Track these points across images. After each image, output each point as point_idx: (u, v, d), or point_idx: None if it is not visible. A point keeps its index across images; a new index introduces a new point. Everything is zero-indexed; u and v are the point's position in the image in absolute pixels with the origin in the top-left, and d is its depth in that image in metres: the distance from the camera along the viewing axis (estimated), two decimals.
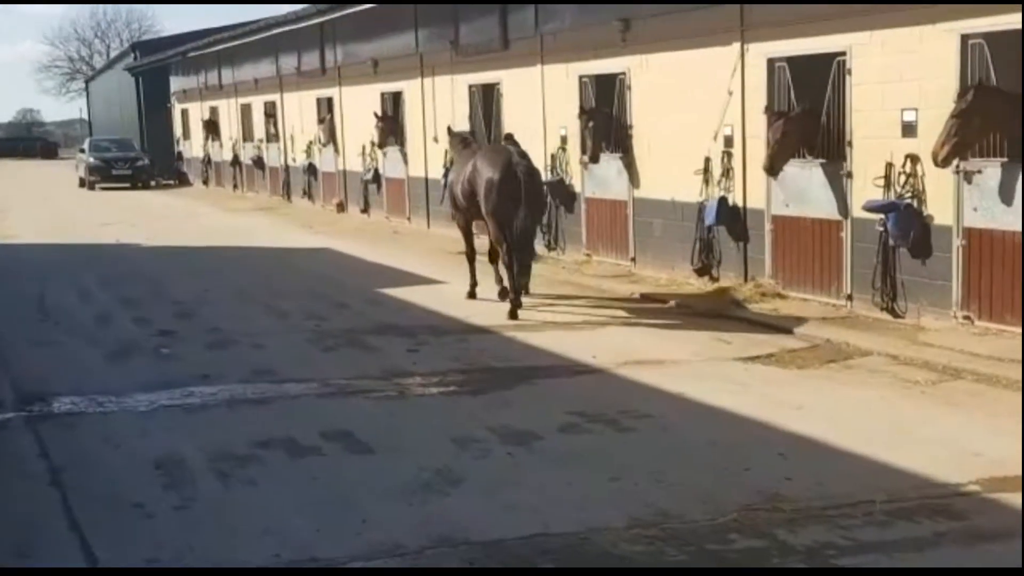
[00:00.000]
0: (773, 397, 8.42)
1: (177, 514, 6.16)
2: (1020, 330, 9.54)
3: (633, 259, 14.95)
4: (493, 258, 13.03)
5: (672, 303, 12.52)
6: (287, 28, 26.36)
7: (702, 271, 13.44)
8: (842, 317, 11.23)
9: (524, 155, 12.28)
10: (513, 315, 11.85)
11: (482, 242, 13.65)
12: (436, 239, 19.60)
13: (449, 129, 15.01)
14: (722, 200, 12.96)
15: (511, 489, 6.46)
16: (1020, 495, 6.11)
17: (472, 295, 13.20)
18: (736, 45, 12.69)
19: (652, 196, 14.49)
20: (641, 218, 14.75)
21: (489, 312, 12.33)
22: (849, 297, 11.45)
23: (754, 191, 12.68)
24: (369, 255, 17.87)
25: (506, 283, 12.43)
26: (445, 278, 15.11)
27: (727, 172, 13.01)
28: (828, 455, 7.02)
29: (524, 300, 12.28)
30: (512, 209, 11.81)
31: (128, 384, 9.24)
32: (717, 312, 11.87)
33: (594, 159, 15.25)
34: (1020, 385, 8.43)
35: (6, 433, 7.86)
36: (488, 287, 13.16)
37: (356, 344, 10.87)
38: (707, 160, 13.23)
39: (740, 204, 12.88)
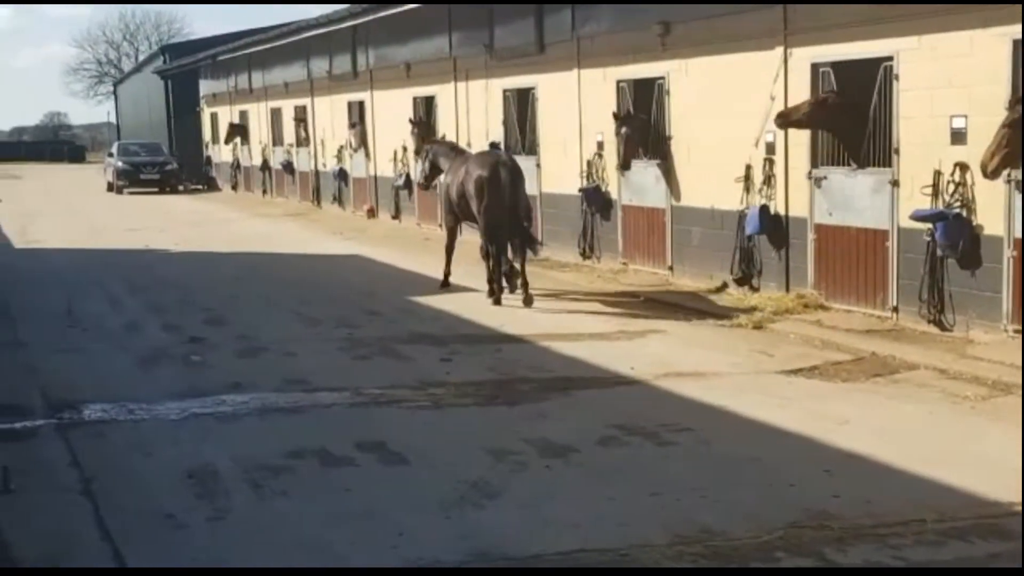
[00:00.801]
0: (818, 411, 8.36)
1: (210, 525, 6.18)
2: None
3: (671, 268, 14.90)
4: (485, 255, 13.89)
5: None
6: (319, 31, 26.51)
7: (742, 281, 13.38)
8: (887, 329, 11.14)
9: (509, 157, 14.01)
10: (497, 301, 13.40)
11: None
12: (468, 247, 19.50)
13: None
14: (763, 208, 12.90)
15: (549, 503, 6.45)
16: None
17: (446, 284, 14.79)
18: (779, 49, 12.63)
19: (691, 204, 14.45)
20: (679, 226, 14.71)
21: (523, 321, 12.34)
22: (895, 309, 11.35)
23: (797, 199, 12.61)
24: (400, 262, 17.91)
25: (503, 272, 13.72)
26: (478, 286, 15.08)
27: (769, 179, 12.95)
28: (876, 472, 6.95)
29: (557, 307, 12.30)
30: (500, 204, 13.27)
31: (159, 392, 9.30)
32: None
33: (625, 166, 15.26)
34: None
35: (37, 441, 7.92)
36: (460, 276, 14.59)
37: (389, 353, 10.89)
38: (748, 167, 13.18)
39: (782, 212, 12.81)
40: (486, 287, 13.79)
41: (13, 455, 7.29)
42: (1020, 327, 10.07)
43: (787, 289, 12.75)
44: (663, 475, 6.94)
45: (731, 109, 13.51)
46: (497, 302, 13.38)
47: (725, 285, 13.72)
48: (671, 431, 7.88)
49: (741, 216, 13.26)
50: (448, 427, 8.21)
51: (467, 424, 8.28)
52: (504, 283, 13.73)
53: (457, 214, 14.44)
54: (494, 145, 15.57)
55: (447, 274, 14.90)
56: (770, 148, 12.90)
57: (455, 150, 15.36)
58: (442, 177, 15.24)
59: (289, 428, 8.18)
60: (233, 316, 13.16)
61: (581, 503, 6.44)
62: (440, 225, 21.88)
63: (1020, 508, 6.22)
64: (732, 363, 10.17)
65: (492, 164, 13.52)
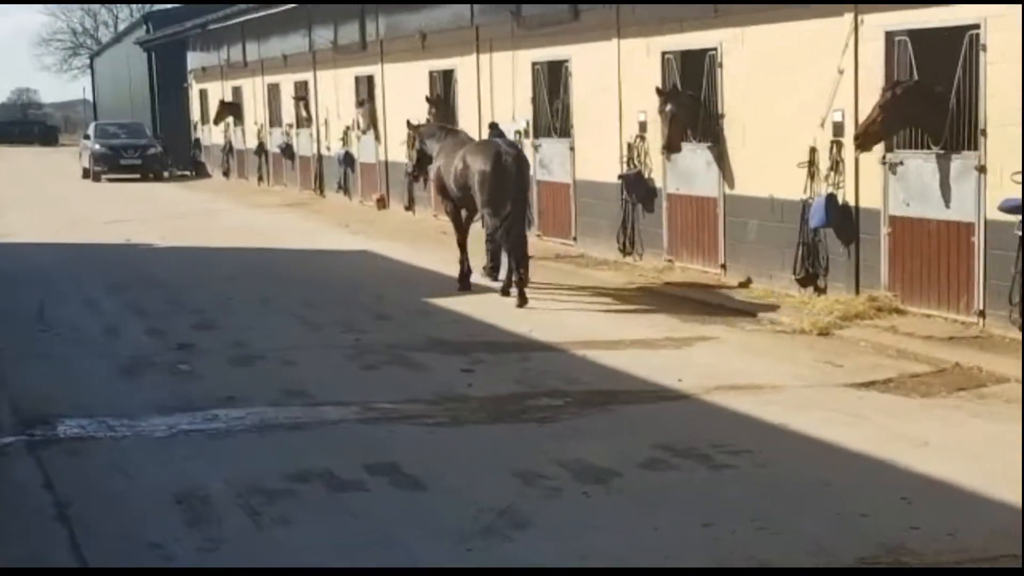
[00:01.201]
0: (893, 430, 8.32)
1: (200, 556, 6.21)
2: None
3: (723, 266, 14.87)
4: (463, 245, 14.98)
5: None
6: None
7: (806, 281, 13.34)
8: (973, 337, 11.08)
9: (512, 144, 14.79)
10: (507, 293, 14.13)
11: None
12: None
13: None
14: (830, 198, 12.85)
15: (587, 534, 6.44)
16: None
17: (464, 285, 14.96)
18: (848, 16, 12.58)
19: (747, 193, 14.41)
20: (733, 218, 14.68)
21: (554, 326, 12.35)
22: (981, 313, 11.29)
23: (868, 187, 12.56)
24: (414, 259, 17.96)
25: (501, 273, 14.64)
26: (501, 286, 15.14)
27: (836, 165, 12.89)
28: (960, 500, 6.92)
29: (592, 310, 12.32)
30: (504, 199, 13.82)
31: (142, 405, 9.35)
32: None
33: (672, 148, 15.23)
34: None
35: (5, 460, 7.97)
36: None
37: (401, 362, 10.92)
38: (812, 151, 13.13)
39: (851, 203, 12.76)
40: (499, 284, 14.39)
41: None
42: None
43: (857, 290, 12.69)
44: (716, 502, 6.92)
45: (793, 84, 13.47)
46: (509, 287, 14.14)
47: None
48: (725, 452, 7.86)
49: (804, 207, 13.21)
50: (470, 447, 8.21)
51: (491, 444, 8.28)
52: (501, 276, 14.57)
53: (456, 202, 15.07)
54: (494, 127, 16.25)
55: (463, 272, 15.03)
56: (838, 129, 12.84)
57: (444, 130, 16.02)
58: (434, 161, 15.69)
59: (290, 447, 8.21)
60: (226, 319, 13.23)
61: (623, 534, 6.42)
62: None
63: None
64: (794, 375, 10.14)
65: (495, 156, 13.97)
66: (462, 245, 15.11)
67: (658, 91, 15.29)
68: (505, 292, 14.18)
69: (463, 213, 15.23)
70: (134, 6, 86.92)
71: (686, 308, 13.37)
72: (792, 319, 12.22)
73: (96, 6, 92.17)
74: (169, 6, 54.30)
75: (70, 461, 7.91)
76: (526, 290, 13.76)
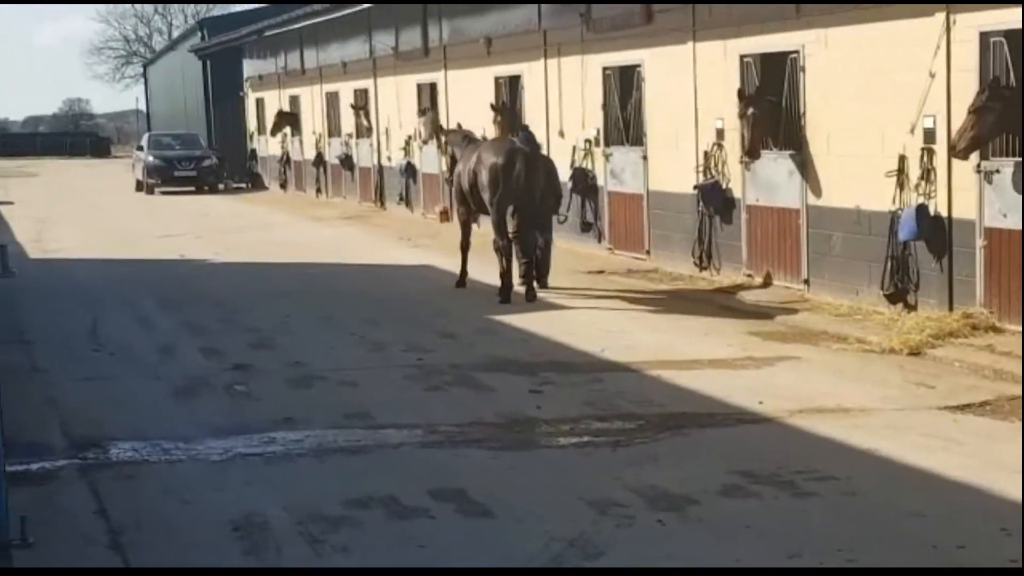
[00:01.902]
0: (991, 456, 8.21)
1: None
2: None
3: (806, 281, 14.76)
4: (496, 248, 15.34)
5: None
6: (382, 2, 26.76)
7: (895, 297, 13.20)
8: None
9: (530, 142, 15.71)
10: (506, 299, 14.90)
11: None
12: (560, 255, 19.57)
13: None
14: (921, 209, 12.72)
15: (663, 565, 6.40)
16: None
17: (462, 284, 16.27)
18: (940, 16, 12.45)
19: (831, 204, 14.30)
20: (817, 231, 14.57)
21: (628, 344, 12.33)
22: None
23: (962, 197, 12.41)
24: (479, 273, 17.90)
25: (515, 274, 15.20)
26: (571, 303, 15.16)
27: (927, 174, 12.76)
28: None
29: (667, 327, 12.27)
30: (510, 196, 14.82)
31: (197, 428, 9.45)
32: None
33: (752, 154, 15.19)
34: None
35: (57, 485, 8.08)
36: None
37: (467, 383, 10.94)
38: (902, 159, 13.01)
39: (944, 213, 12.62)
40: (577, 302, 14.52)
41: (30, 502, 7.42)
42: None
43: (950, 307, 12.54)
44: (801, 533, 6.85)
45: (881, 88, 13.35)
46: (507, 299, 14.98)
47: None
48: (809, 479, 7.79)
49: (893, 218, 13.09)
50: (539, 473, 8.20)
51: (562, 469, 8.26)
52: (522, 279, 15.23)
53: (470, 204, 15.99)
54: (524, 128, 17.17)
55: (463, 273, 16.36)
56: (929, 136, 12.71)
57: (467, 139, 16.92)
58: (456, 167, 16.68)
59: (351, 472, 8.24)
60: (283, 338, 13.33)
61: (702, 566, 6.37)
62: None
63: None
64: (883, 397, 10.03)
65: (508, 152, 15.01)
66: (464, 249, 16.32)
67: (739, 94, 15.23)
68: (529, 297, 15.10)
69: (474, 218, 16.46)
70: (188, 13, 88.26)
71: (766, 326, 13.28)
72: (881, 338, 12.09)
73: (150, 14, 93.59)
74: (232, 7, 54.88)
75: (123, 486, 8.00)
76: (536, 287, 15.27)
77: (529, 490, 7.76)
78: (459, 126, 18.38)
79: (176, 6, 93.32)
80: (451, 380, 11.06)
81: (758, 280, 15.56)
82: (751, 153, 15.20)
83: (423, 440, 9.02)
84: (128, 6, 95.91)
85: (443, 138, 17.98)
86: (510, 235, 15.03)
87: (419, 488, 7.72)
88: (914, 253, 13.04)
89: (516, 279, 15.24)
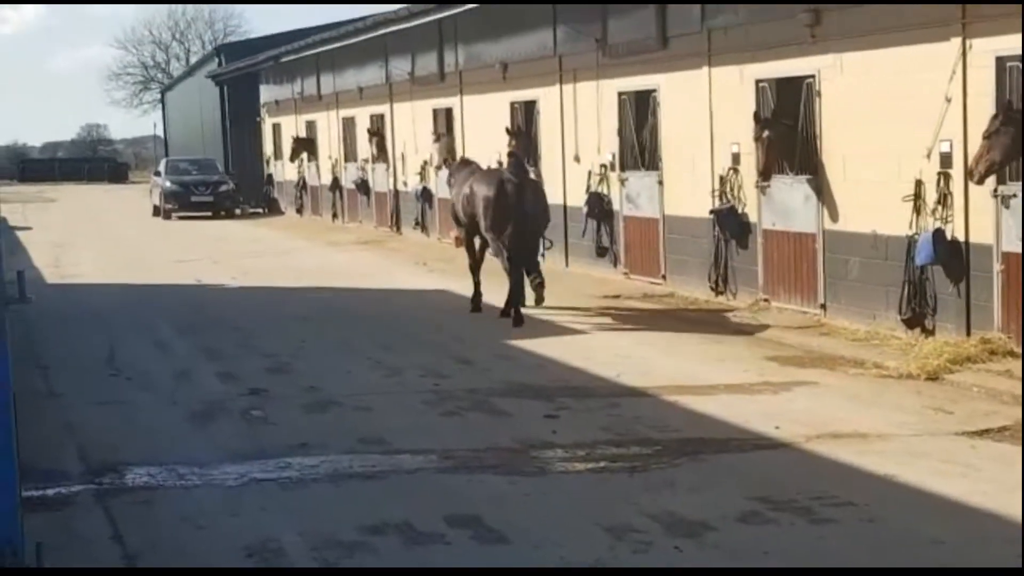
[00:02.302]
0: (1010, 482, 8.13)
1: None
2: None
3: (823, 306, 14.72)
4: (475, 267, 16.84)
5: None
6: (399, 27, 26.89)
7: (912, 322, 13.15)
8: None
9: (518, 173, 15.91)
10: (518, 322, 15.33)
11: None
12: (576, 280, 19.63)
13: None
14: (938, 233, 12.68)
15: None
16: None
17: (476, 308, 16.66)
18: (956, 41, 12.44)
19: (848, 228, 14.27)
20: (834, 255, 14.53)
21: (644, 370, 12.30)
22: None
23: (979, 221, 12.37)
24: (496, 299, 17.94)
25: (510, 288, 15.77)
26: (587, 327, 15.15)
27: (944, 198, 12.73)
28: None
29: (684, 352, 12.27)
30: (505, 224, 15.58)
31: (213, 453, 9.45)
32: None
33: (765, 176, 15.21)
34: None
35: (73, 511, 8.08)
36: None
37: (483, 408, 10.92)
38: (919, 183, 12.97)
39: (961, 238, 12.57)
40: (593, 327, 14.88)
41: (46, 527, 7.42)
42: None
43: (968, 332, 12.48)
44: (818, 559, 6.82)
45: (897, 113, 13.33)
46: (514, 315, 15.51)
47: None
48: (827, 505, 7.75)
49: (910, 243, 13.05)
50: (555, 498, 8.16)
51: (578, 495, 8.23)
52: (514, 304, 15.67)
53: (467, 229, 16.84)
54: (512, 155, 17.38)
55: (476, 296, 16.76)
56: (945, 160, 12.68)
57: (463, 163, 18.22)
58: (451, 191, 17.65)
59: (366, 497, 8.22)
60: (300, 363, 13.33)
61: None
62: (542, 255, 21.98)
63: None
64: (901, 422, 9.98)
65: (498, 183, 15.84)
66: (473, 269, 16.90)
67: (755, 117, 15.23)
68: (504, 313, 15.76)
69: (476, 241, 16.84)
70: (206, 39, 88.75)
71: (782, 351, 13.24)
72: (898, 363, 12.05)
73: (168, 40, 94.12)
74: (242, 39, 55.10)
75: (139, 511, 8.00)
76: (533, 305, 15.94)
77: (545, 516, 7.73)
78: (465, 159, 19.30)
79: (193, 32, 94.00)
80: (467, 405, 11.04)
81: (775, 305, 15.51)
82: (764, 175, 15.20)
83: (439, 465, 9.00)
84: (146, 32, 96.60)
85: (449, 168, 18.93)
86: (508, 260, 15.69)
87: (434, 514, 7.70)
88: (931, 278, 12.99)
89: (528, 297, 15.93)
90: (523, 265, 15.74)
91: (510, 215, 15.58)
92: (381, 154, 30.48)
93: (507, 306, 15.74)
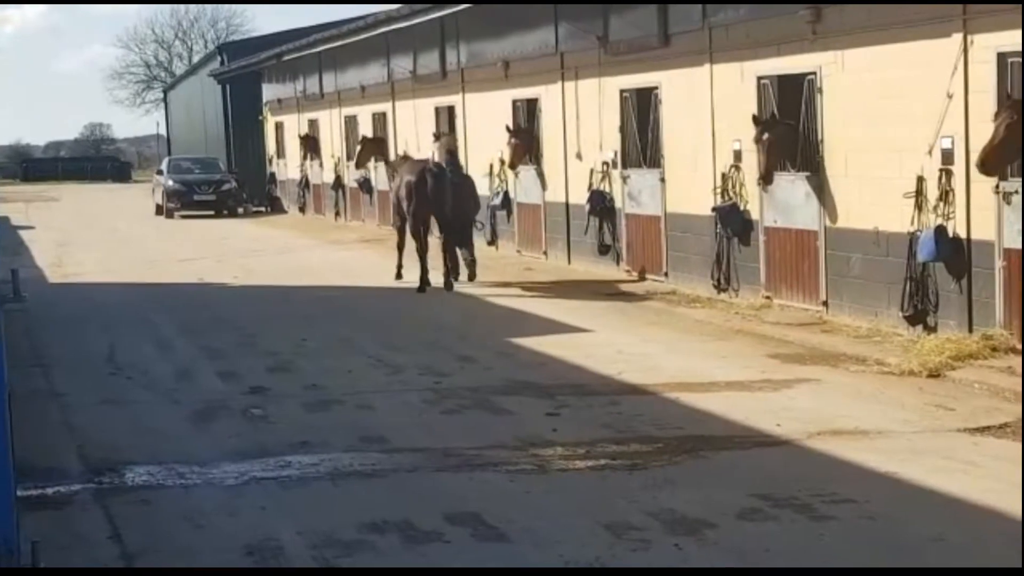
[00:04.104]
0: (1011, 479, 8.11)
1: None
2: None
3: (824, 303, 14.69)
4: (400, 247, 19.78)
5: None
6: (400, 24, 26.86)
7: (915, 318, 13.13)
8: None
9: (441, 166, 18.82)
10: (421, 289, 18.37)
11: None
12: (578, 278, 19.61)
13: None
14: (940, 230, 12.65)
15: None
16: None
17: (399, 276, 19.74)
18: (957, 37, 12.41)
19: (849, 225, 14.24)
20: (835, 252, 14.51)
21: (645, 368, 12.29)
22: None
23: (981, 218, 12.34)
24: (498, 297, 17.98)
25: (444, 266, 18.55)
26: (590, 325, 15.14)
27: (945, 195, 12.70)
28: None
29: (685, 351, 12.20)
30: (424, 209, 18.45)
31: (213, 452, 9.44)
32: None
33: (766, 179, 15.27)
34: None
35: (72, 510, 8.08)
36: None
37: (484, 406, 10.91)
38: (920, 180, 12.95)
39: (963, 235, 12.55)
40: (594, 325, 14.98)
41: (45, 526, 7.44)
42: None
43: (970, 329, 12.46)
44: (819, 557, 6.81)
45: (898, 110, 13.31)
46: (422, 290, 18.40)
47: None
48: (828, 502, 7.73)
49: (912, 239, 13.02)
50: (555, 496, 8.16)
51: (578, 492, 8.22)
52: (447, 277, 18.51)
53: (402, 216, 19.35)
54: (451, 153, 19.76)
55: (399, 267, 19.87)
56: (947, 157, 12.66)
57: (403, 159, 21.07)
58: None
59: (366, 496, 8.22)
60: (301, 362, 13.33)
61: None
62: (544, 252, 22.04)
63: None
64: (902, 419, 9.97)
65: (419, 172, 18.64)
66: (420, 254, 18.70)
67: (755, 119, 15.21)
68: (447, 287, 18.38)
69: (421, 228, 18.89)
70: (208, 38, 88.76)
71: (784, 348, 13.23)
72: (900, 359, 12.03)
73: (171, 39, 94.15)
74: (245, 37, 55.09)
75: (138, 510, 7.99)
76: (454, 281, 18.53)
77: (545, 514, 7.72)
78: (406, 155, 21.86)
79: (196, 31, 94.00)
80: (468, 403, 11.03)
81: (777, 303, 15.49)
82: (765, 178, 15.21)
83: (439, 464, 8.98)
84: (148, 31, 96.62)
85: (389, 169, 21.92)
86: (442, 243, 18.61)
87: (434, 512, 7.69)
88: (933, 274, 12.97)
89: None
90: (455, 244, 18.56)
91: (428, 200, 18.28)
92: (380, 155, 30.30)
93: (445, 278, 18.47)
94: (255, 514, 7.85)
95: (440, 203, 18.29)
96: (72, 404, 11.45)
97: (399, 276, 19.76)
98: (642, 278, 18.58)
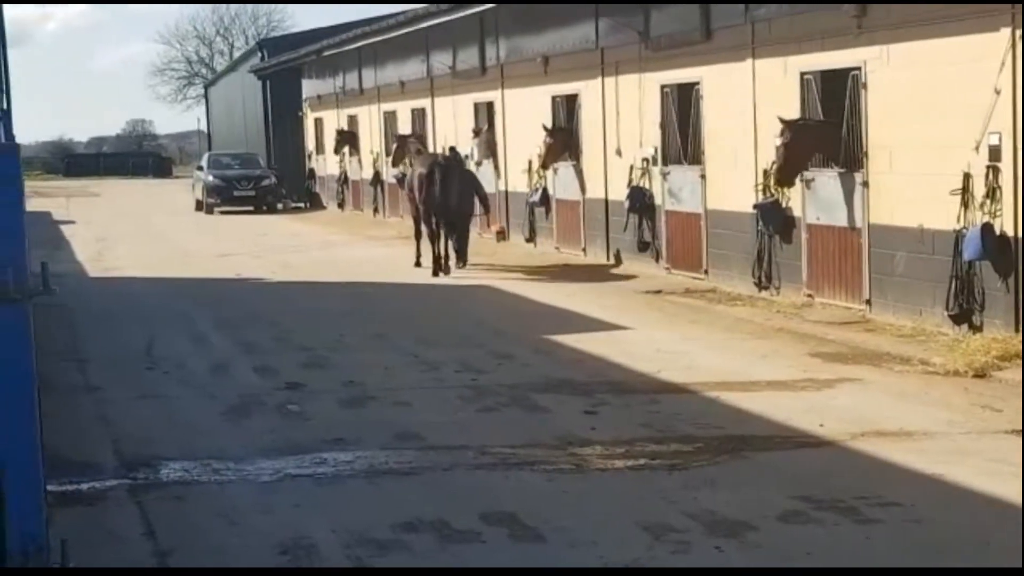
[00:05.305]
0: None
1: None
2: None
3: (868, 302, 14.50)
4: (417, 234, 21.54)
5: None
6: (440, 19, 26.78)
7: (960, 318, 12.92)
8: None
9: (448, 160, 20.94)
10: (435, 274, 20.21)
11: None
12: (617, 274, 19.48)
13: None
14: (986, 227, 12.44)
15: None
16: None
17: (417, 264, 21.46)
18: (1005, 31, 12.20)
19: (893, 222, 14.05)
20: (879, 250, 14.31)
21: (685, 366, 12.16)
22: None
23: None
24: (536, 293, 17.89)
25: (441, 252, 20.42)
26: (630, 323, 15.02)
27: (992, 192, 12.49)
28: None
29: (726, 349, 12.06)
30: (434, 199, 20.20)
31: (248, 448, 9.37)
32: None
33: (782, 182, 15.48)
34: None
35: (106, 505, 8.02)
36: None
37: (521, 403, 10.81)
38: (967, 177, 12.74)
39: (1010, 232, 12.33)
40: (634, 322, 14.88)
41: (78, 522, 7.38)
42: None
43: (1017, 328, 12.25)
44: (864, 560, 6.67)
45: (944, 105, 13.10)
46: (435, 274, 20.18)
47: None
48: (872, 505, 7.58)
49: (958, 237, 12.82)
50: (593, 496, 8.04)
51: (617, 493, 8.11)
52: (445, 261, 20.39)
53: (416, 205, 21.15)
54: (452, 149, 22.28)
55: (418, 255, 21.53)
56: (994, 153, 12.44)
57: (420, 152, 23.10)
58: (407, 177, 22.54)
59: (401, 494, 8.13)
60: (337, 357, 13.27)
61: None
62: (583, 249, 21.91)
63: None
64: (948, 420, 9.80)
65: (429, 164, 20.62)
66: (431, 239, 20.51)
67: (781, 121, 15.08)
68: (436, 272, 20.15)
69: (432, 216, 20.46)
70: (249, 34, 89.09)
71: (826, 347, 13.05)
72: (945, 359, 11.84)
73: (212, 35, 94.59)
74: (285, 33, 55.17)
75: (173, 507, 7.94)
76: (455, 268, 20.54)
77: (582, 514, 7.61)
78: (420, 148, 23.80)
79: (237, 28, 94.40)
80: (505, 401, 10.93)
81: (819, 301, 15.30)
82: (779, 181, 15.38)
83: (475, 462, 8.88)
84: (190, 28, 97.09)
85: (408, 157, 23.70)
86: (437, 227, 20.29)
87: (470, 511, 7.59)
88: (979, 273, 12.75)
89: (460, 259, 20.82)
90: (455, 231, 20.49)
91: (437, 190, 20.03)
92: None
93: (442, 262, 20.30)
94: (289, 512, 7.76)
95: (446, 193, 20.06)
96: (108, 398, 11.43)
97: (418, 264, 21.33)
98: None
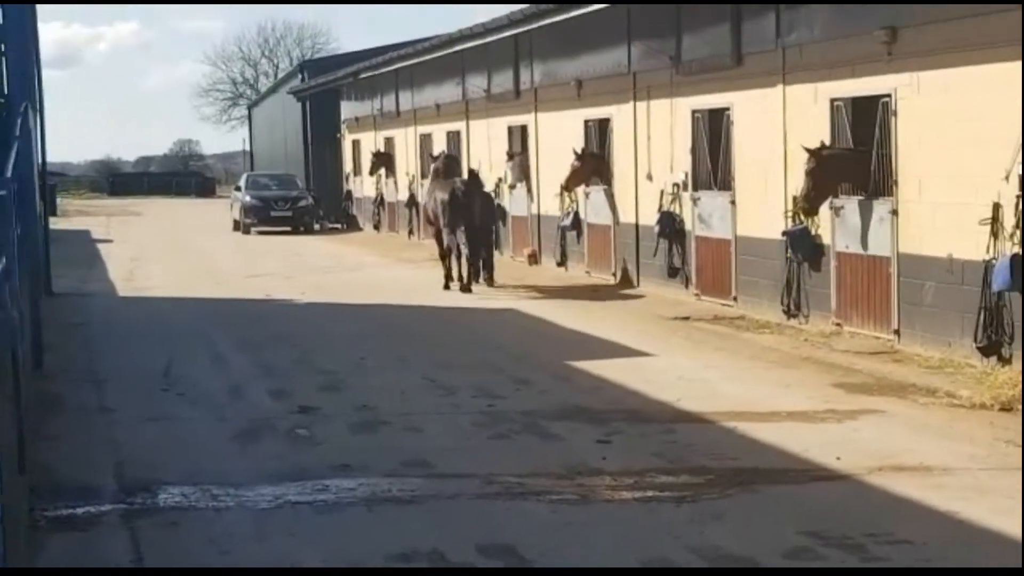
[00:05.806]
0: None
1: None
2: None
3: (896, 332, 14.24)
4: (444, 256, 21.94)
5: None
6: (475, 43, 26.75)
7: (988, 349, 12.64)
8: None
9: (468, 183, 21.71)
10: (463, 290, 21.16)
11: None
12: (647, 301, 19.28)
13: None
14: (1016, 258, 12.18)
15: None
16: None
17: (446, 287, 21.77)
18: None
19: (923, 252, 13.79)
20: (908, 279, 14.06)
21: (705, 395, 11.95)
22: None
23: None
24: (562, 318, 17.70)
25: (463, 273, 21.38)
26: (653, 349, 14.82)
27: (1022, 222, 12.22)
28: None
29: (749, 378, 11.84)
30: (457, 222, 20.93)
31: (252, 473, 9.24)
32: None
33: (808, 211, 15.36)
34: None
35: (98, 531, 7.89)
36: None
37: (534, 431, 10.65)
38: (996, 207, 12.49)
39: None
40: (658, 349, 14.70)
41: (67, 549, 7.28)
42: None
43: None
44: None
45: (974, 134, 12.86)
46: (463, 291, 21.09)
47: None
48: (881, 543, 7.37)
49: (987, 267, 12.56)
50: (596, 528, 7.87)
51: (620, 525, 7.93)
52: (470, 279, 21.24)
53: (436, 227, 21.96)
54: (472, 172, 23.31)
55: (447, 278, 21.84)
56: None
57: (435, 173, 23.24)
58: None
59: (400, 523, 7.98)
60: (355, 381, 13.14)
61: None
62: (614, 274, 21.72)
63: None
64: (970, 455, 9.55)
65: (451, 190, 21.26)
66: (443, 258, 21.90)
67: (806, 150, 14.89)
68: (466, 289, 21.04)
69: (455, 238, 21.20)
70: (294, 56, 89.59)
71: (852, 377, 12.80)
72: (971, 392, 11.57)
73: (257, 56, 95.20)
74: (326, 55, 55.39)
75: (165, 533, 7.80)
76: (485, 287, 21.38)
77: (583, 547, 7.43)
78: (435, 170, 23.47)
79: (282, 49, 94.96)
80: (519, 428, 10.76)
81: (847, 330, 15.05)
82: (807, 211, 15.31)
83: (480, 491, 8.71)
84: (235, 48, 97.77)
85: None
86: (461, 248, 21.02)
87: (467, 542, 7.44)
88: (1008, 304, 12.48)
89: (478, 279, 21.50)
90: (477, 251, 21.16)
91: (460, 213, 20.79)
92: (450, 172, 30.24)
93: (468, 281, 21.13)
94: (283, 540, 7.62)
95: (469, 215, 20.89)
96: (119, 420, 11.32)
97: (447, 287, 21.65)
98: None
